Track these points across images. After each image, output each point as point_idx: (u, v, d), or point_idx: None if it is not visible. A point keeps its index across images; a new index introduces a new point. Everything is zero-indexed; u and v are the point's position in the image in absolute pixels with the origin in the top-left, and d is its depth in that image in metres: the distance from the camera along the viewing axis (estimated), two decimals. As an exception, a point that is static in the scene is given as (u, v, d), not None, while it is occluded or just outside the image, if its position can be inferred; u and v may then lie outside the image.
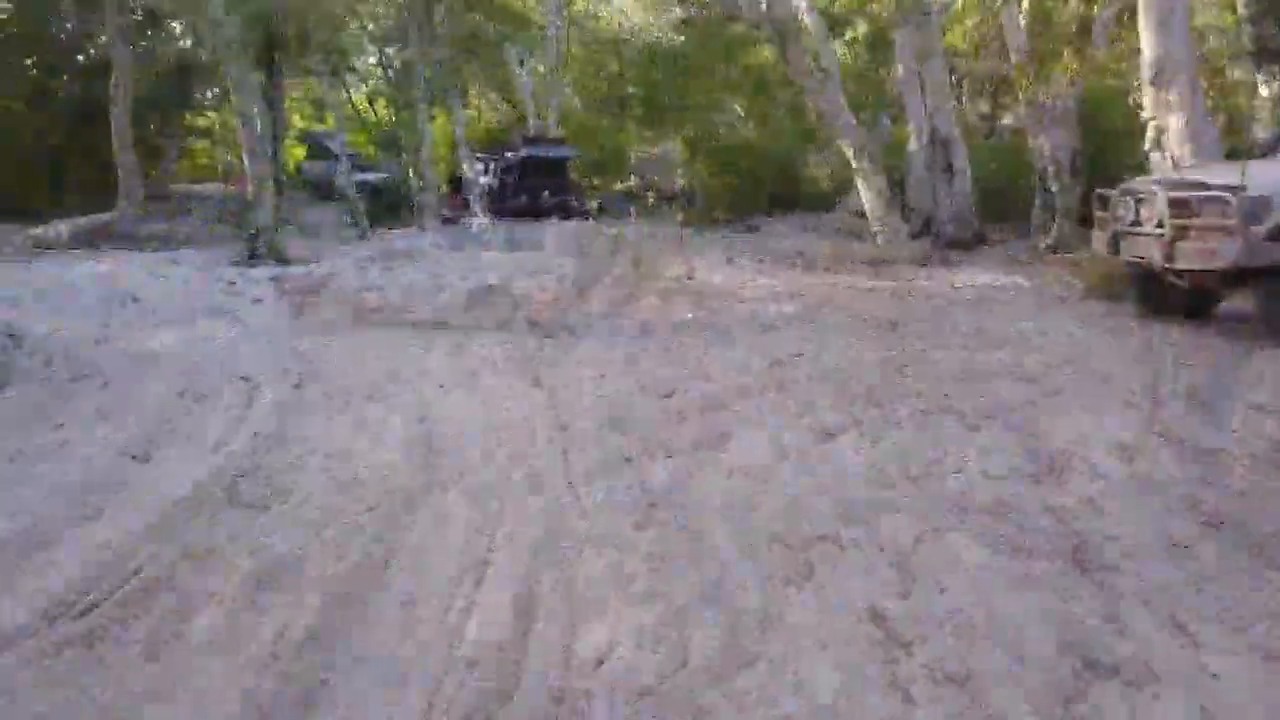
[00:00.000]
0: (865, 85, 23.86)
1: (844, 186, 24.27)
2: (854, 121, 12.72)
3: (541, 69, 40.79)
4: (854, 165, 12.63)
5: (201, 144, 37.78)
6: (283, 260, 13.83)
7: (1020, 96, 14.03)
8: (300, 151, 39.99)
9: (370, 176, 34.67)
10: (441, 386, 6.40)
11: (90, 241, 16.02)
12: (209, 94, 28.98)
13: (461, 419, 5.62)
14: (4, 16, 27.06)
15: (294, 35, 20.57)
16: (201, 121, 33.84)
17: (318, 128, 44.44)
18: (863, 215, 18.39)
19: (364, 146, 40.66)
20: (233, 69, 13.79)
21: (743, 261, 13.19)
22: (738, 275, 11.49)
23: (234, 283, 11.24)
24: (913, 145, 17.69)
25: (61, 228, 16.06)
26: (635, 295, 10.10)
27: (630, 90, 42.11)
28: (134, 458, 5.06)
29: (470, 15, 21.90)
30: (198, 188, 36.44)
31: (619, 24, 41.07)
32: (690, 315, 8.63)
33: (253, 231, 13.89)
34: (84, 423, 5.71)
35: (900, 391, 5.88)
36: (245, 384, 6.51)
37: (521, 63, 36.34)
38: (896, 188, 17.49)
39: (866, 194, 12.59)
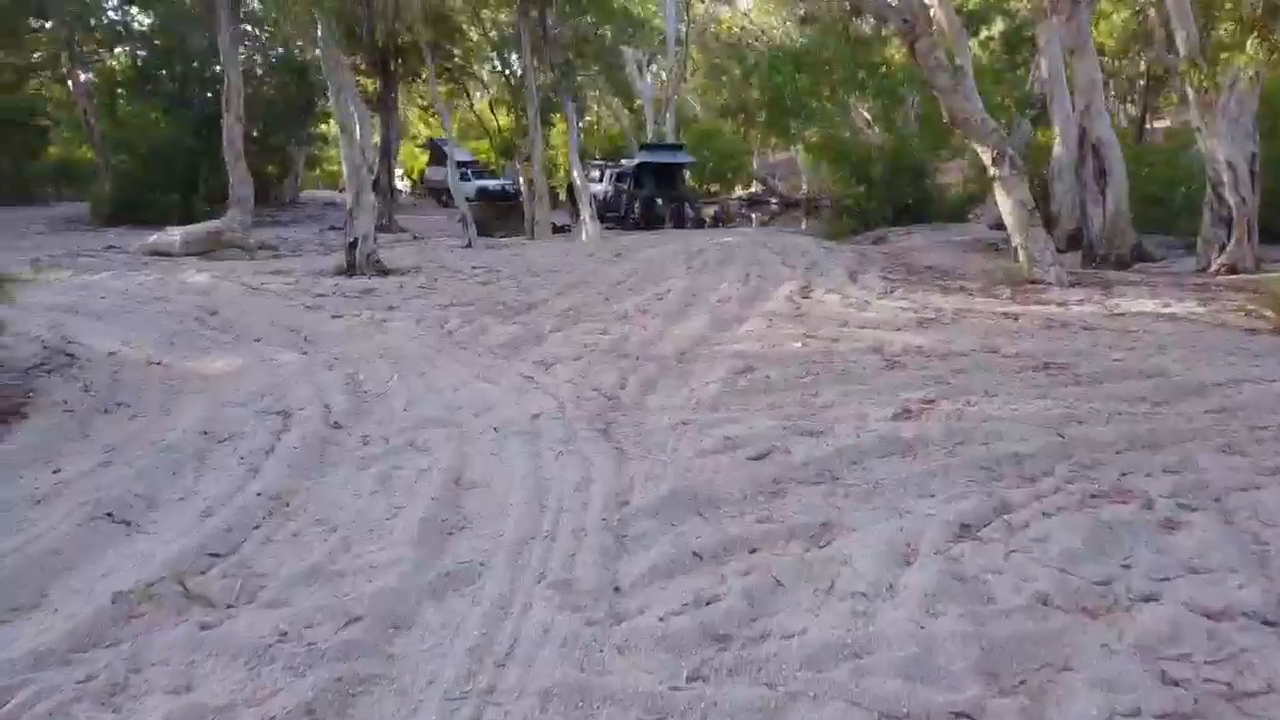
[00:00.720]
0: (1002, 85, 21.90)
1: (978, 196, 22.42)
2: (991, 124, 11.10)
3: (663, 75, 39.99)
4: (991, 172, 11.02)
5: (334, 151, 38.15)
6: (381, 271, 13.20)
7: (1190, 93, 12.13)
8: (425, 158, 40.30)
9: (490, 183, 34.50)
10: (495, 430, 5.37)
11: (203, 249, 15.84)
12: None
13: (503, 484, 4.55)
14: (148, 30, 27.92)
15: (408, 44, 20.22)
16: (324, 128, 34.14)
17: (443, 135, 44.83)
18: (1001, 228, 16.64)
19: (486, 154, 40.68)
20: (331, 76, 13.25)
21: (867, 278, 11.79)
22: (860, 295, 10.13)
23: (322, 295, 10.58)
24: (1059, 150, 15.83)
25: (175, 235, 15.95)
26: (741, 316, 8.90)
27: (754, 95, 40.82)
28: (115, 520, 4.20)
29: (582, 18, 21.03)
30: (324, 194, 37.08)
31: (742, 27, 39.84)
32: (800, 345, 7.37)
33: (351, 241, 13.31)
34: (86, 467, 4.92)
35: (1060, 464, 4.50)
36: (278, 421, 5.64)
37: (641, 69, 35.53)
38: (1039, 197, 15.70)
39: (1006, 204, 11.00)
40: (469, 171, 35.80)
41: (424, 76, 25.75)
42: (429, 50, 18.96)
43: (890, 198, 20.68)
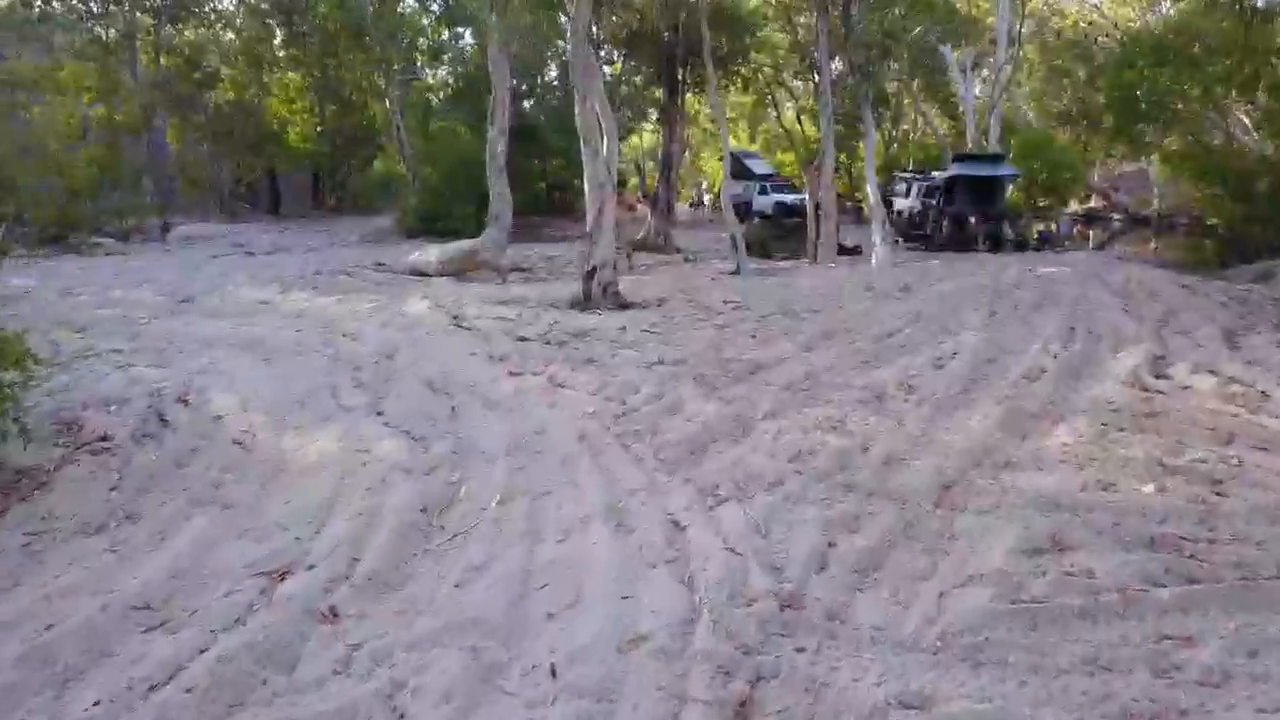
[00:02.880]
0: None
1: None
2: None
3: (991, 76, 35.46)
4: None
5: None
6: (619, 304, 11.28)
7: None
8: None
9: (789, 198, 31.97)
10: (650, 569, 3.03)
11: (457, 268, 14.86)
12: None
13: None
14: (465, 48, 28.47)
15: (698, 48, 18.28)
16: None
17: (748, 148, 42.96)
18: None
19: (790, 167, 38.23)
20: (577, 79, 11.50)
21: (1257, 344, 8.07)
22: (1251, 378, 6.59)
23: (524, 339, 8.73)
24: None
25: (432, 254, 15.10)
26: (1053, 410, 5.84)
27: (1100, 99, 35.18)
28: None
29: (890, 11, 17.97)
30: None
31: (1090, 21, 34.25)
32: (1153, 488, 4.31)
33: (589, 270, 11.49)
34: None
35: None
36: (360, 525, 3.66)
37: (965, 72, 31.42)
38: None
39: None
40: (768, 185, 33.58)
41: (722, 84, 23.90)
42: (711, 56, 16.85)
43: (1277, 220, 15.76)
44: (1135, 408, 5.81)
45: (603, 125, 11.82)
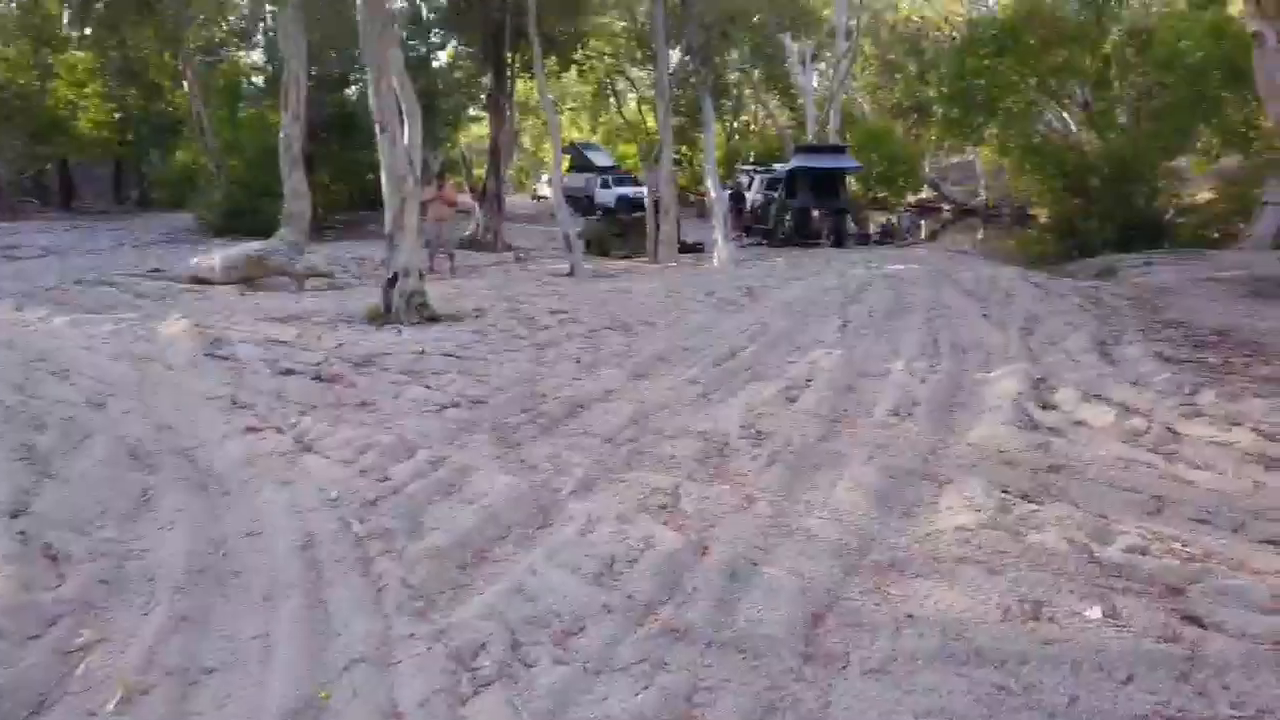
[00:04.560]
0: None
1: (1240, 212, 16.86)
2: None
3: (830, 71, 35.35)
4: None
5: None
6: (427, 317, 9.57)
7: None
8: (565, 164, 36.88)
9: (631, 191, 30.54)
10: None
11: (244, 275, 12.73)
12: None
13: None
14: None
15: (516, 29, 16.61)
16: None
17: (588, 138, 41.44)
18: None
19: (633, 159, 36.96)
20: (368, 50, 9.70)
21: (1131, 355, 7.18)
22: (1146, 403, 5.57)
23: (289, 372, 6.89)
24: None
25: (215, 259, 12.88)
26: (937, 467, 4.63)
27: (931, 93, 35.61)
28: None
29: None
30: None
31: (923, 15, 34.48)
32: (1099, 612, 3.07)
33: (390, 278, 9.71)
34: None
35: None
36: None
37: (804, 63, 30.97)
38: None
39: None
40: (611, 178, 32.22)
41: (554, 69, 22.29)
42: (537, 34, 15.21)
43: (1114, 215, 15.50)
44: (1032, 459, 4.63)
45: (403, 107, 10.04)
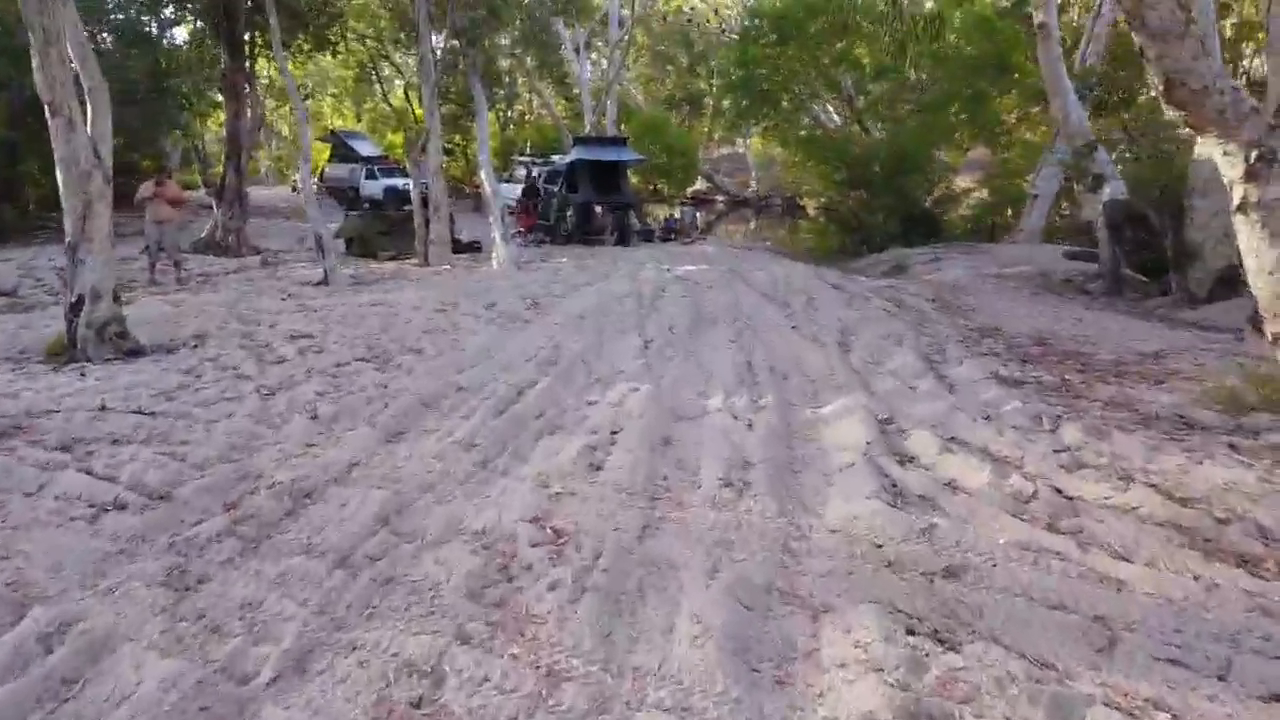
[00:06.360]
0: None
1: (1007, 205, 17.19)
2: (1247, 102, 5.45)
3: (603, 61, 34.36)
4: (1239, 193, 5.47)
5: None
6: (126, 350, 7.38)
7: None
8: (326, 152, 33.64)
9: (398, 182, 27.99)
10: None
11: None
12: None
13: None
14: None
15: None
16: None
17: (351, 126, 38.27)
18: (1086, 257, 11.40)
19: (401, 149, 34.33)
20: (32, 17, 7.33)
21: (966, 375, 6.34)
22: (1017, 458, 4.60)
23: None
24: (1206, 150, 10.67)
25: None
26: (796, 628, 3.40)
27: (702, 85, 35.48)
28: None
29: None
30: (274, 193, 30.05)
31: (692, 6, 34.12)
32: None
33: (73, 302, 7.43)
34: None
35: None
36: None
37: (579, 51, 29.70)
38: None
39: (1262, 251, 5.66)
40: (377, 169, 29.54)
41: (299, 47, 19.71)
42: (274, 6, 12.90)
43: (897, 207, 15.27)
44: (919, 557, 3.45)
45: (84, 85, 7.73)
